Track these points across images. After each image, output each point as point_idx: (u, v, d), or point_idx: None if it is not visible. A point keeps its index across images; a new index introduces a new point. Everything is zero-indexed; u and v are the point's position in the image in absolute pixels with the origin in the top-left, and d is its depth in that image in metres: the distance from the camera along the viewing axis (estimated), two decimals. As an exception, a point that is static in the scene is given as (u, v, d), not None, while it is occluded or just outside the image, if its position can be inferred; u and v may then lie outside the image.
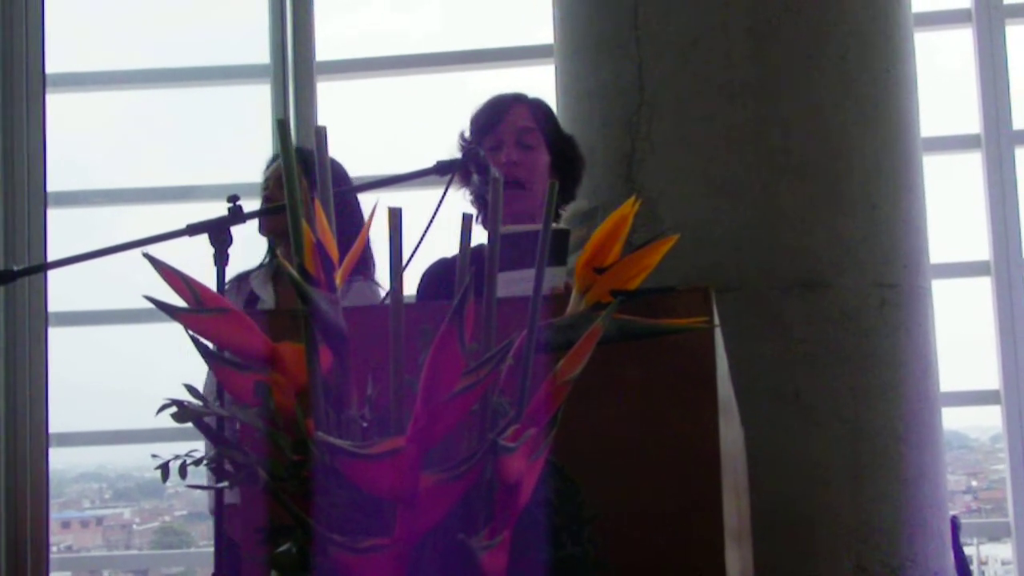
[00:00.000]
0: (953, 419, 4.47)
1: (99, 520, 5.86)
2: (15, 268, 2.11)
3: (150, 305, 1.26)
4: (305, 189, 1.27)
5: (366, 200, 3.46)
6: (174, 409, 1.32)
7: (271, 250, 3.70)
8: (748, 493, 2.40)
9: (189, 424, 1.28)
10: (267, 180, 3.63)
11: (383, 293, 3.41)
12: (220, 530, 2.56)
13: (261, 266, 3.67)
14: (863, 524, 3.26)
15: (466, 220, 1.23)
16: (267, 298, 3.51)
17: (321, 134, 1.33)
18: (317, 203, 1.31)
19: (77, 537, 5.49)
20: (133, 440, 4.97)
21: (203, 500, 4.11)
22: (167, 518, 5.94)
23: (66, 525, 5.77)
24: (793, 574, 3.22)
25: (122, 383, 5.30)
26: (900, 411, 3.34)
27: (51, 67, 4.71)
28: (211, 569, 4.73)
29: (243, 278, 3.64)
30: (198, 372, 3.41)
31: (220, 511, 2.36)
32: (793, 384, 3.28)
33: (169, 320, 1.30)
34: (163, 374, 5.04)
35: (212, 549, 4.42)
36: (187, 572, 5.18)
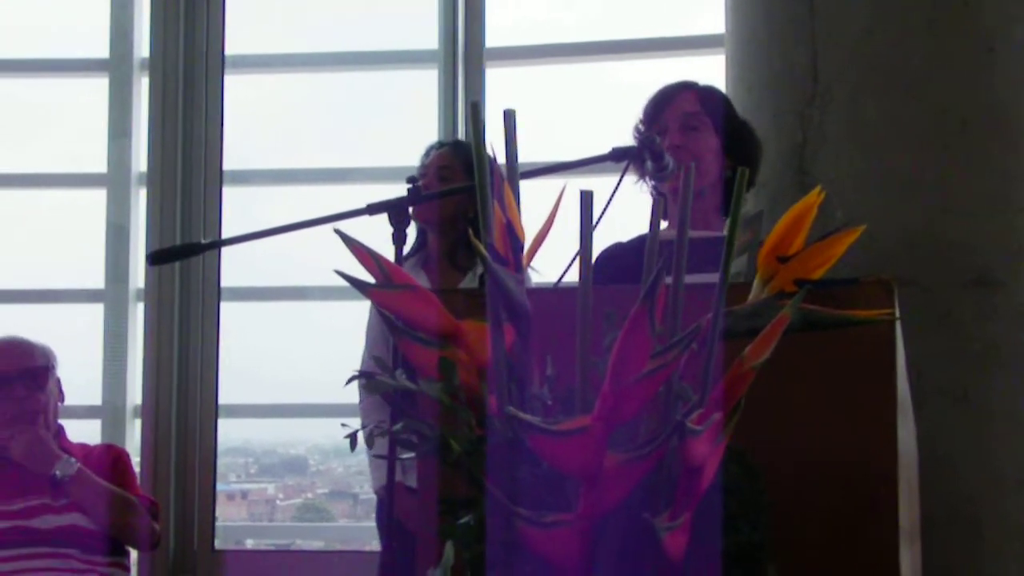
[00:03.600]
0: None
1: (244, 494, 6.00)
2: (201, 242, 2.18)
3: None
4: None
5: (539, 186, 3.48)
6: (355, 383, 1.35)
7: (422, 237, 3.76)
8: (919, 492, 2.36)
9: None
10: (424, 167, 3.67)
11: (534, 276, 3.43)
12: (390, 505, 2.61)
13: (413, 253, 3.73)
14: (1033, 529, 3.17)
15: (655, 203, 1.24)
16: (421, 283, 3.56)
17: (509, 117, 1.35)
18: (507, 185, 1.33)
19: (223, 510, 5.63)
20: (281, 415, 5.10)
21: (344, 479, 4.16)
22: (309, 495, 6.04)
23: (214, 498, 5.95)
24: (957, 577, 3.15)
25: (270, 360, 5.40)
26: (1075, 414, 3.24)
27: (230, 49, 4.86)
28: (350, 546, 4.82)
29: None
30: (338, 353, 3.47)
31: (391, 486, 2.41)
32: (962, 383, 3.20)
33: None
34: (305, 353, 5.11)
35: (351, 526, 4.48)
36: (327, 546, 5.29)
